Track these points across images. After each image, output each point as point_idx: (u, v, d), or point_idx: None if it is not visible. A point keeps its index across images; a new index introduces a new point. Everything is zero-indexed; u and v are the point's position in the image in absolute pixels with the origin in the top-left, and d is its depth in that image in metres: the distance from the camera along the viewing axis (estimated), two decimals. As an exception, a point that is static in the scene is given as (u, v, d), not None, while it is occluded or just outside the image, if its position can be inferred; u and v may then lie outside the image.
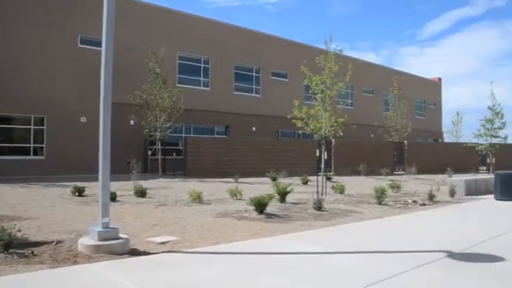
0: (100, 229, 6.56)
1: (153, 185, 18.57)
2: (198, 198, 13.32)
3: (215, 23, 33.50)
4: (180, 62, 30.89)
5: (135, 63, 25.70)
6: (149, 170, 25.47)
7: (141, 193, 14.53)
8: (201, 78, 32.31)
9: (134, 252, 6.63)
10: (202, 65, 32.37)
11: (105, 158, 6.77)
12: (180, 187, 18.27)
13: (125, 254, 6.45)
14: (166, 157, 25.96)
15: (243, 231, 8.73)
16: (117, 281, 5.17)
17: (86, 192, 14.69)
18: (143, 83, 23.62)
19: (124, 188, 16.39)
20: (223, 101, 32.62)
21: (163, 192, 16.28)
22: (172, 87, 24.85)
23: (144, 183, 16.06)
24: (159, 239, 7.66)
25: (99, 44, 6.93)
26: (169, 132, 24.94)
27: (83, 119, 24.82)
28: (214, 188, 18.34)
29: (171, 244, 7.36)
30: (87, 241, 6.56)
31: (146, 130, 24.21)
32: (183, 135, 29.61)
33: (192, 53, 31.64)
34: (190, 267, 5.86)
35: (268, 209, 11.11)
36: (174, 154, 26.82)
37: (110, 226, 6.74)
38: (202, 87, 32.18)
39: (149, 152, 26.57)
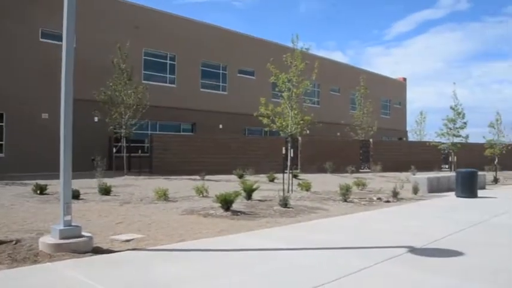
0: (62, 227, 6.41)
1: (118, 182, 18.32)
2: (163, 196, 13.20)
3: (182, 19, 33.20)
4: (146, 58, 30.51)
5: (100, 58, 25.26)
6: (114, 167, 25.09)
7: (106, 191, 14.30)
8: (167, 75, 31.98)
9: (97, 251, 6.50)
10: (168, 61, 32.04)
11: (66, 155, 6.61)
12: (145, 185, 18.07)
13: (87, 252, 6.32)
14: (132, 154, 25.63)
15: (208, 228, 8.68)
16: (78, 279, 5.07)
17: (48, 190, 14.37)
18: (108, 79, 23.20)
19: (88, 185, 16.12)
20: (189, 98, 32.38)
21: (129, 190, 16.07)
22: (138, 83, 24.51)
23: (109, 181, 15.80)
24: (123, 237, 7.55)
25: (61, 39, 6.74)
26: (135, 129, 24.57)
27: (45, 116, 24.23)
28: (180, 185, 18.20)
29: (135, 242, 7.26)
30: (48, 240, 6.39)
31: (111, 127, 23.80)
32: (149, 132, 29.30)
33: (158, 50, 31.28)
34: (154, 265, 5.78)
35: (235, 206, 11.09)
36: (140, 151, 26.50)
37: (72, 224, 6.59)
38: (168, 84, 31.86)
39: (114, 150, 26.18)
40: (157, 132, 29.79)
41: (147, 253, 6.52)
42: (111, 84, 23.16)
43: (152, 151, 25.71)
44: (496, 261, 6.30)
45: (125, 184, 18.16)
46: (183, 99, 31.83)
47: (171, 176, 22.08)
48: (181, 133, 32.52)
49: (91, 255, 6.19)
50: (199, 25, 34.42)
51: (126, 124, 23.59)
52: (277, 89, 16.52)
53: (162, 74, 31.67)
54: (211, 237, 7.81)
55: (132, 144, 26.15)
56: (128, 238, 7.47)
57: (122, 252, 6.48)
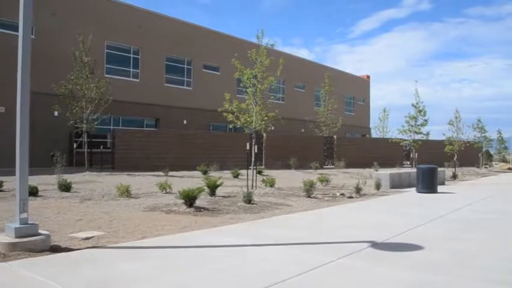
0: (17, 225, 6.19)
1: (79, 179, 17.95)
2: (126, 192, 13.00)
3: (146, 12, 32.74)
4: (109, 51, 29.96)
5: (60, 51, 24.66)
6: (75, 163, 24.56)
7: (66, 187, 13.97)
8: (131, 69, 31.49)
9: (55, 249, 6.31)
10: (132, 55, 31.54)
11: (23, 150, 6.38)
12: (107, 181, 17.75)
13: (45, 250, 6.13)
14: (93, 150, 25.10)
15: (171, 225, 8.57)
16: (35, 279, 4.90)
17: (3, 187, 13.90)
18: (68, 72, 22.62)
19: (47, 182, 15.74)
20: (153, 93, 31.98)
21: (90, 186, 15.75)
22: (100, 77, 24.01)
23: (69, 177, 15.47)
24: (82, 235, 7.37)
25: (18, 29, 6.50)
26: (97, 124, 24.06)
27: (1, 109, 23.46)
28: (143, 181, 17.97)
29: (95, 239, 7.09)
30: (2, 238, 6.16)
31: (72, 122, 23.19)
32: (111, 127, 28.81)
33: (121, 43, 30.75)
34: (115, 263, 5.66)
35: (198, 203, 11.00)
36: (102, 147, 26.00)
37: (29, 222, 6.37)
38: (131, 79, 31.38)
39: (75, 145, 25.62)
40: (120, 128, 29.32)
41: (107, 251, 6.37)
42: (72, 77, 22.59)
43: (114, 147, 25.28)
44: (454, 255, 6.42)
45: (85, 180, 17.79)
46: (147, 94, 31.42)
47: (134, 172, 21.76)
48: (145, 128, 32.12)
49: (48, 254, 6.00)
50: (164, 19, 34.03)
51: (87, 119, 23.07)
52: (242, 85, 16.47)
53: (125, 68, 31.17)
54: (174, 234, 7.71)
55: (93, 140, 25.62)
56: (88, 236, 7.29)
57: (81, 251, 6.31)
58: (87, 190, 14.62)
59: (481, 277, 5.27)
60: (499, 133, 57.46)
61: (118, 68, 30.53)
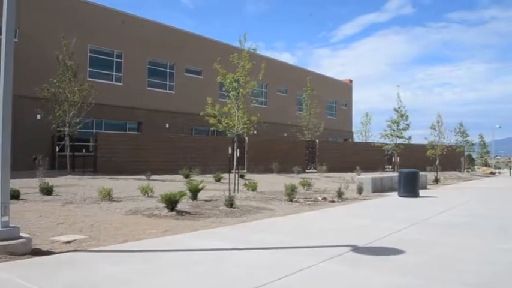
0: (-2, 228, 6.19)
1: (61, 182, 17.82)
2: (107, 196, 12.96)
3: (129, 16, 32.67)
4: (92, 55, 29.85)
5: (43, 54, 24.51)
6: (57, 167, 24.34)
7: (47, 191, 13.89)
8: (113, 73, 31.40)
9: (37, 252, 6.32)
10: (114, 59, 31.45)
11: (4, 153, 6.38)
12: (89, 184, 17.67)
13: (26, 254, 6.13)
14: (76, 154, 24.96)
15: (153, 228, 8.60)
16: (16, 282, 4.91)
17: (-15, 190, 13.77)
18: (51, 75, 22.48)
19: (29, 185, 15.63)
20: (136, 96, 31.91)
21: (71, 190, 15.67)
22: (83, 81, 23.89)
23: (51, 181, 15.36)
24: (64, 238, 7.37)
25: (0, 32, 6.51)
26: (79, 128, 23.94)
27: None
28: (125, 185, 17.91)
29: (76, 243, 7.10)
30: (-17, 241, 6.16)
31: (54, 125, 23.05)
32: (94, 131, 28.65)
33: (104, 47, 30.64)
34: (96, 266, 5.69)
35: (180, 206, 11.03)
36: (84, 151, 25.86)
37: (10, 225, 6.36)
38: (114, 82, 31.29)
39: (57, 148, 25.42)
40: (103, 131, 29.17)
41: (88, 254, 6.40)
42: (55, 81, 22.45)
43: (97, 150, 25.14)
44: (435, 258, 6.51)
45: (67, 184, 17.68)
46: (130, 98, 31.34)
47: (116, 176, 21.65)
48: (127, 132, 31.98)
49: (30, 257, 6.00)
50: (147, 22, 34.00)
51: (70, 122, 22.93)
52: (224, 89, 16.54)
53: (108, 72, 31.08)
54: (155, 237, 7.74)
55: (76, 143, 25.45)
56: (69, 239, 7.30)
57: (62, 254, 6.33)
58: (69, 193, 14.54)
59: (460, 281, 5.36)
60: (481, 137, 58.40)
61: (101, 71, 30.42)
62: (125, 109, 30.96)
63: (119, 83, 31.54)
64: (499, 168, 62.31)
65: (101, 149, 24.97)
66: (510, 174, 46.55)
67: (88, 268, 5.61)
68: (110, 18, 30.86)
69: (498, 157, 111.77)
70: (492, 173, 47.61)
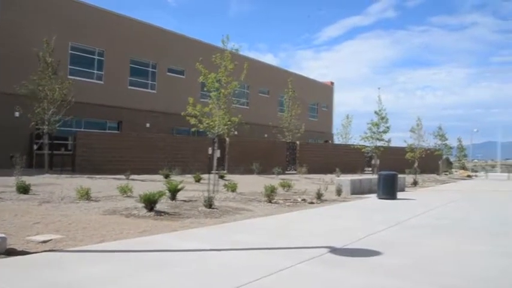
0: (-28, 227, 6.10)
1: (38, 181, 17.59)
2: (85, 195, 12.84)
3: (112, 14, 32.40)
4: (73, 52, 29.49)
5: (23, 51, 24.17)
6: (35, 165, 24.07)
7: (24, 189, 13.69)
8: (95, 71, 31.08)
9: (11, 252, 6.23)
10: (96, 57, 31.15)
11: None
12: (67, 183, 17.48)
13: (0, 254, 6.05)
14: (54, 152, 24.64)
15: (131, 228, 8.56)
16: (-12, 282, 4.86)
17: (-40, 189, 13.56)
18: (31, 72, 22.16)
19: (5, 184, 15.41)
20: (117, 95, 31.65)
21: (49, 189, 15.48)
22: (63, 78, 23.60)
23: (28, 179, 15.16)
24: (40, 238, 7.28)
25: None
26: (59, 126, 23.59)
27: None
28: (104, 184, 17.77)
29: (53, 243, 7.03)
30: (-43, 240, 6.07)
31: (33, 123, 22.73)
32: (73, 129, 28.33)
33: (85, 44, 30.32)
34: (72, 267, 5.64)
35: (159, 207, 10.99)
36: (63, 149, 25.57)
37: (-16, 224, 6.29)
38: (95, 81, 30.97)
39: (35, 147, 25.09)
40: (82, 130, 28.88)
41: (64, 254, 6.34)
42: (34, 78, 22.13)
43: (76, 149, 24.87)
44: (412, 260, 6.61)
45: (45, 183, 17.46)
46: (111, 97, 31.08)
47: (96, 175, 21.45)
48: (107, 131, 31.70)
49: (4, 257, 5.93)
50: (130, 21, 33.76)
51: (49, 120, 22.64)
52: (205, 89, 16.50)
53: (89, 70, 30.75)
54: (133, 237, 7.71)
55: (55, 142, 25.10)
56: (45, 239, 7.22)
57: (37, 254, 6.26)
58: (46, 193, 14.37)
59: (436, 282, 5.44)
60: (459, 141, 59.23)
61: (82, 69, 30.07)
62: (105, 108, 30.69)
63: (100, 82, 31.25)
64: (476, 171, 63.19)
65: (80, 147, 24.72)
66: (486, 178, 47.25)
67: (64, 268, 5.56)
68: (91, 16, 30.53)
69: (475, 161, 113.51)
70: (469, 176, 48.29)
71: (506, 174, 51.54)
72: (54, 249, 6.63)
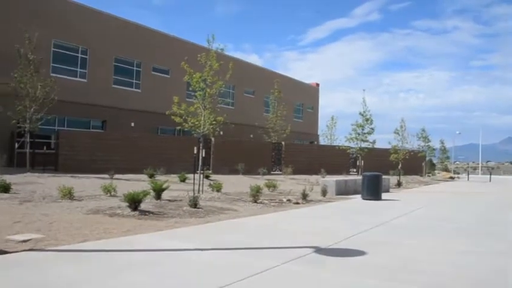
0: (-51, 226, 5.92)
1: (19, 180, 17.28)
2: (68, 194, 12.67)
3: (96, 12, 32.05)
4: (56, 50, 29.10)
5: (4, 47, 23.76)
6: (16, 164, 23.69)
7: (4, 188, 13.47)
8: (78, 69, 30.69)
9: (-10, 251, 6.08)
10: (80, 55, 30.77)
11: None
12: (49, 183, 17.21)
13: (-22, 253, 5.89)
14: (36, 151, 24.28)
15: (114, 228, 8.42)
16: (-35, 282, 4.70)
17: None
18: (12, 69, 21.78)
19: (-15, 182, 15.11)
20: (101, 94, 31.31)
21: (30, 188, 15.23)
22: (46, 76, 23.25)
23: (9, 178, 14.90)
24: (20, 237, 7.11)
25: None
26: (41, 124, 23.23)
27: None
28: (87, 184, 17.54)
29: (33, 242, 6.86)
30: None
31: (14, 121, 22.33)
32: (56, 128, 27.97)
33: (69, 42, 29.94)
34: (52, 266, 5.49)
35: (143, 206, 10.86)
36: (45, 148, 25.20)
37: (-38, 223, 6.11)
38: (78, 79, 30.58)
39: (16, 145, 24.70)
40: (65, 128, 28.53)
41: (45, 254, 6.18)
42: (15, 75, 21.77)
43: (59, 148, 24.52)
44: (396, 260, 6.60)
45: (26, 182, 17.16)
46: (94, 95, 30.73)
47: (79, 174, 21.16)
48: (91, 130, 31.34)
49: (-18, 257, 5.77)
50: (115, 19, 33.46)
51: (31, 118, 22.29)
52: (191, 88, 16.40)
53: (72, 68, 30.35)
54: (116, 237, 7.58)
55: (37, 140, 24.74)
56: (25, 238, 7.05)
57: (17, 253, 6.09)
58: (28, 191, 14.14)
59: (421, 281, 5.44)
60: (442, 143, 59.87)
61: (65, 67, 29.67)
62: (89, 106, 30.32)
63: (83, 80, 30.87)
64: (458, 173, 63.99)
65: (63, 146, 24.37)
66: (468, 179, 47.78)
67: (43, 268, 5.41)
68: (75, 13, 30.16)
69: (457, 162, 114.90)
70: (451, 178, 48.82)
71: (487, 176, 52.19)
72: (34, 248, 6.47)
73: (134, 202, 10.44)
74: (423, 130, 41.29)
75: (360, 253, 6.91)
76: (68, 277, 5.06)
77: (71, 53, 30.29)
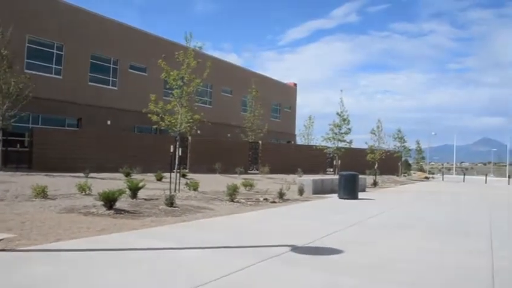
0: None
1: (-9, 178, 16.94)
2: (42, 193, 12.46)
3: (72, 7, 31.50)
4: (30, 46, 28.55)
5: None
6: (-12, 162, 23.16)
7: (-24, 187, 13.16)
8: (53, 66, 30.16)
9: (-41, 251, 5.92)
10: (55, 51, 30.24)
11: None
12: (22, 181, 16.86)
13: None
14: (10, 149, 23.79)
15: (88, 227, 8.30)
16: None
17: None
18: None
19: (-44, 181, 14.79)
20: (76, 91, 30.83)
21: (2, 187, 14.88)
22: (19, 72, 22.80)
23: (-20, 176, 14.57)
24: (-9, 237, 6.95)
25: None
26: (14, 122, 22.80)
27: None
28: (62, 182, 17.26)
29: (4, 242, 6.70)
30: None
31: (-14, 118, 21.86)
32: (30, 125, 27.46)
33: (44, 38, 29.40)
34: (23, 267, 5.37)
35: (118, 205, 10.74)
36: (18, 146, 24.72)
37: None
38: (54, 75, 30.06)
39: (-12, 143, 24.16)
40: (39, 126, 28.02)
41: (16, 254, 6.04)
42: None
43: (33, 146, 24.09)
44: (371, 258, 6.65)
45: (-1, 180, 16.82)
46: (70, 92, 30.26)
47: (53, 173, 20.78)
48: (66, 128, 30.85)
49: (-49, 257, 5.62)
50: (91, 16, 32.96)
51: (3, 115, 21.83)
52: (168, 86, 16.28)
53: (47, 64, 29.81)
54: (91, 236, 7.47)
55: (10, 138, 24.26)
56: (-3, 238, 6.90)
57: (-13, 253, 5.95)
58: (0, 190, 13.84)
59: (396, 279, 5.49)
60: (418, 143, 60.67)
61: (40, 63, 29.13)
62: (64, 104, 29.83)
63: (58, 77, 30.35)
64: (433, 173, 64.91)
65: (37, 144, 23.96)
66: (443, 180, 48.48)
67: (14, 269, 5.28)
68: (50, 9, 29.63)
69: (432, 163, 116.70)
70: (426, 178, 49.55)
71: (461, 176, 53.09)
72: (5, 248, 6.31)
73: (109, 201, 10.31)
74: (399, 131, 41.73)
75: (336, 251, 6.95)
76: (41, 277, 4.95)
77: (46, 49, 29.75)
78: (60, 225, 8.32)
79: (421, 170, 62.39)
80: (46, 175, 19.80)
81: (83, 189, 13.99)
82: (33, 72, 27.12)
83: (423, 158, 65.94)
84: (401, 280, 5.47)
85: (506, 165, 79.77)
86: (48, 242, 6.89)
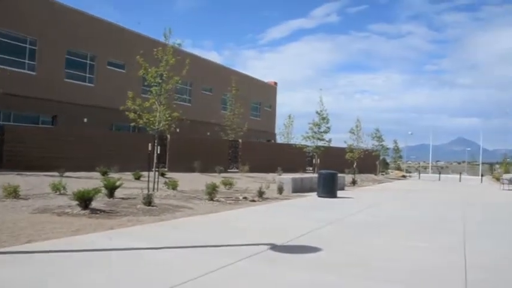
0: None
1: (-39, 177, 16.36)
2: (13, 193, 12.01)
3: (47, 0, 30.78)
4: (1, 40, 27.77)
5: None
6: (-42, 160, 22.47)
7: None
8: (26, 61, 29.38)
9: None
10: (28, 46, 29.47)
11: None
12: (-7, 180, 16.33)
13: None
14: (-19, 146, 23.10)
15: (63, 227, 7.98)
16: None
17: None
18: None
19: None
20: (51, 88, 30.11)
21: (-28, 186, 14.38)
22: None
23: (-51, 175, 14.04)
24: (-43, 238, 6.58)
25: None
26: (-15, 119, 22.21)
27: None
28: (35, 182, 16.79)
29: (-28, 244, 6.35)
30: None
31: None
32: (1, 122, 26.73)
33: (16, 32, 28.59)
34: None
35: (94, 204, 10.41)
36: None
37: None
38: (27, 71, 29.28)
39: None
40: (11, 123, 27.30)
41: (-16, 256, 5.71)
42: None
43: (4, 144, 23.41)
44: (350, 256, 6.67)
45: (-32, 179, 16.25)
46: (44, 89, 29.54)
47: (26, 172, 20.20)
48: (40, 125, 30.13)
49: None
50: (67, 9, 32.18)
51: (-26, 112, 21.20)
52: (146, 83, 15.94)
53: (20, 59, 29.04)
54: (65, 237, 7.18)
55: (-19, 136, 23.58)
56: (-37, 239, 6.53)
57: (-48, 256, 5.61)
58: (-31, 190, 13.35)
59: (373, 277, 5.52)
60: (395, 143, 61.31)
61: (11, 58, 28.34)
62: (38, 101, 29.09)
63: (32, 73, 29.59)
64: (410, 172, 65.55)
65: (9, 142, 23.25)
66: (419, 178, 49.03)
67: (-19, 272, 4.96)
68: (23, 1, 28.86)
69: (409, 162, 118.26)
70: (404, 176, 50.02)
71: (437, 175, 53.88)
72: (-28, 251, 5.97)
73: (84, 200, 9.98)
74: (377, 130, 41.99)
75: (315, 250, 6.97)
76: (9, 281, 4.67)
77: (18, 44, 28.96)
78: (32, 226, 7.98)
79: (399, 168, 62.97)
80: (18, 174, 19.23)
81: (58, 188, 13.59)
82: (5, 67, 26.42)
83: (400, 157, 66.67)
84: (382, 277, 5.49)
85: (479, 164, 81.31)
86: (18, 243, 6.59)
